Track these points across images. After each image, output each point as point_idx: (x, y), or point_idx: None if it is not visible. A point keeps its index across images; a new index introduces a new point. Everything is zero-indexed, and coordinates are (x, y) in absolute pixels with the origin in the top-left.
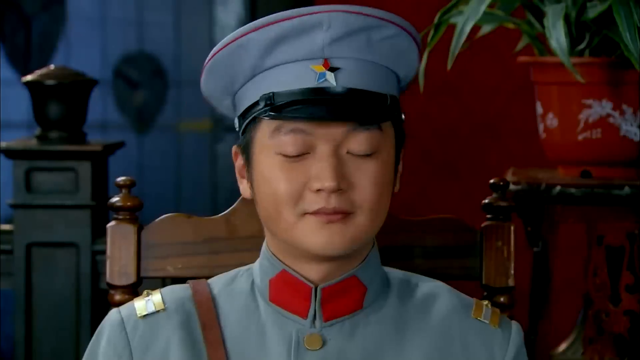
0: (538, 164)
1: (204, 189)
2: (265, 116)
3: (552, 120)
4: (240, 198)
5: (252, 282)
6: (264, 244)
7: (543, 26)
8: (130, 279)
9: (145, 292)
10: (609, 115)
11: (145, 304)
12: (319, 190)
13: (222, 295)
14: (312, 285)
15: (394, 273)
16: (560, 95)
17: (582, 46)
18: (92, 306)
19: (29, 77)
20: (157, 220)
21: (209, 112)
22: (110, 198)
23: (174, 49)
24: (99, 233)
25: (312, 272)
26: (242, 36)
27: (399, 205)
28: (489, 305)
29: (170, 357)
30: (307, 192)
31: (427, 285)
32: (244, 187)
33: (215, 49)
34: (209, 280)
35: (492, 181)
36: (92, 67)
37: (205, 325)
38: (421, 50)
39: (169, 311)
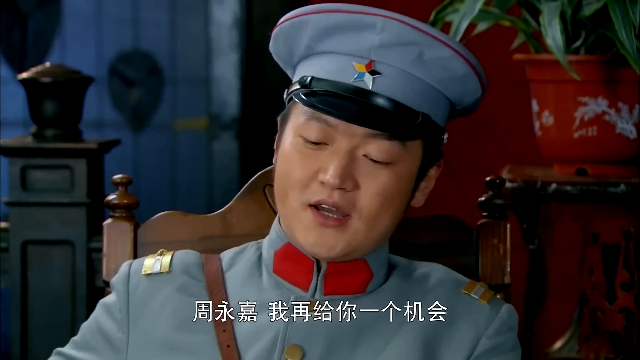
0: (534, 162)
1: (199, 187)
2: (297, 98)
3: (547, 118)
4: (236, 196)
5: (260, 256)
6: (276, 219)
7: (539, 24)
8: None
9: (160, 250)
10: (604, 112)
11: (154, 263)
12: (323, 182)
13: (230, 263)
14: (313, 259)
15: (396, 258)
16: (556, 93)
17: (577, 44)
18: (88, 304)
19: (24, 75)
20: (153, 218)
21: (204, 110)
22: (105, 196)
23: (169, 47)
24: (94, 231)
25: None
26: (304, 14)
27: None
28: (485, 285)
29: (163, 317)
30: (314, 182)
31: (426, 266)
32: (275, 158)
33: (282, 19)
34: (221, 254)
35: (488, 179)
36: (87, 64)
37: (212, 294)
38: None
39: (173, 274)
